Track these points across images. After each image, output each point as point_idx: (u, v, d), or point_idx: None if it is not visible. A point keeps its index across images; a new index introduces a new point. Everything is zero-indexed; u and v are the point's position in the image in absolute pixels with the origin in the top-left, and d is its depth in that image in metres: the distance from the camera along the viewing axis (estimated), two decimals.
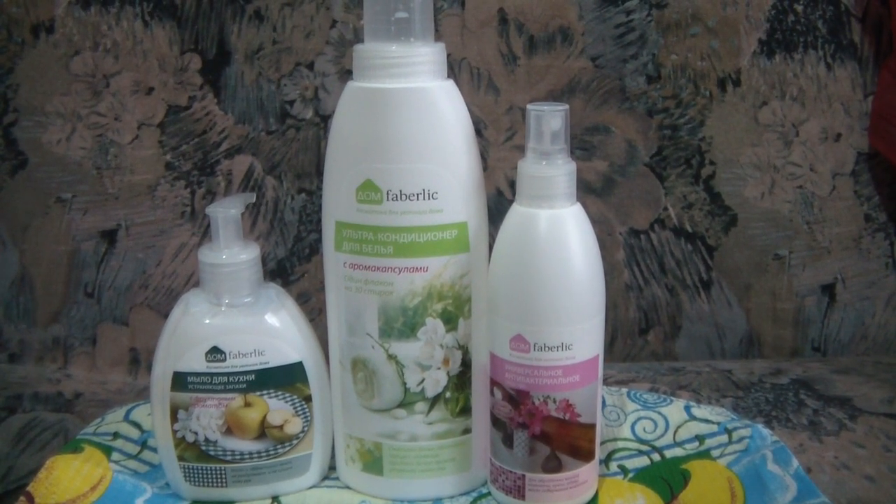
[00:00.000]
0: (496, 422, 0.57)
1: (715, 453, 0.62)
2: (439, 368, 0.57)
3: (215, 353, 0.56)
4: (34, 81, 0.82)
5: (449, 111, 0.55)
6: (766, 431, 0.62)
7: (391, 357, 0.57)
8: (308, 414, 0.59)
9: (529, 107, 0.54)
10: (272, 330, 0.58)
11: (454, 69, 0.81)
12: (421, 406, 0.58)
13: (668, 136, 0.83)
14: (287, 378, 0.58)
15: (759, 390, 0.75)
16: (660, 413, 0.67)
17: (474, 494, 0.60)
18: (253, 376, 0.57)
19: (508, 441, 0.56)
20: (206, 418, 0.57)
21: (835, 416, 0.70)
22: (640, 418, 0.67)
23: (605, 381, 0.74)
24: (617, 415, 0.67)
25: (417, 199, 0.54)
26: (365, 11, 0.55)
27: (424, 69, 0.54)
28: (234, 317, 0.57)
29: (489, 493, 0.60)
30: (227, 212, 0.57)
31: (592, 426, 0.57)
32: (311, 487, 0.61)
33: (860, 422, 0.69)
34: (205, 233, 0.83)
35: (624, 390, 0.70)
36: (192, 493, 0.59)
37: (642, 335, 0.85)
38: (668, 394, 0.72)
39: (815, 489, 0.56)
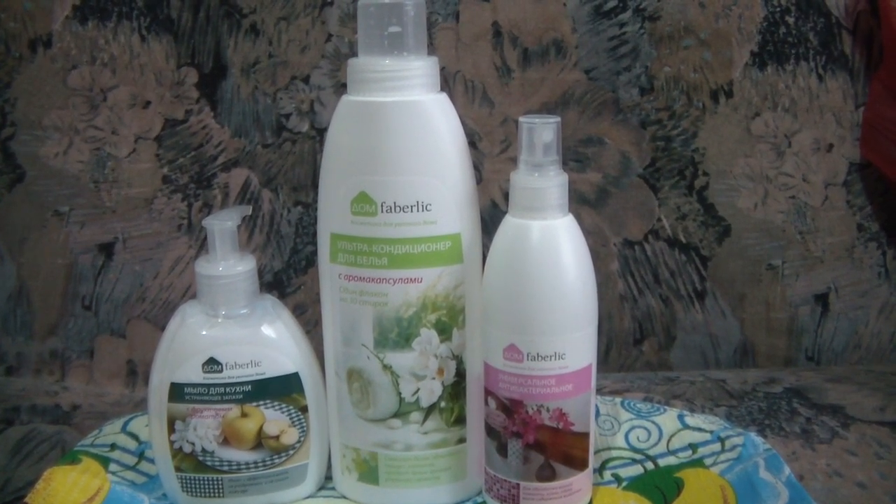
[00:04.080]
0: (490, 431, 0.57)
1: (708, 461, 0.62)
2: (434, 378, 0.58)
3: (212, 364, 0.57)
4: (32, 95, 0.82)
5: (442, 124, 0.55)
6: (758, 439, 0.63)
7: (386, 367, 0.57)
8: (304, 424, 0.59)
9: (521, 119, 0.54)
10: (268, 341, 0.58)
11: (449, 82, 0.82)
12: (416, 416, 0.58)
13: (661, 148, 0.83)
14: (283, 389, 0.58)
15: (752, 399, 0.75)
16: (653, 422, 0.67)
17: (470, 503, 0.61)
18: (249, 387, 0.57)
19: (503, 450, 0.57)
20: (203, 429, 0.57)
21: (827, 424, 0.70)
22: (633, 427, 0.67)
23: (600, 392, 0.75)
24: (611, 424, 0.67)
25: (411, 210, 0.55)
26: (359, 25, 0.55)
27: (418, 82, 0.55)
28: (231, 328, 0.57)
29: (484, 502, 0.60)
30: (223, 224, 0.58)
31: (586, 435, 0.57)
32: (307, 497, 0.61)
33: (853, 430, 0.69)
34: (202, 245, 0.84)
35: (618, 399, 0.70)
36: None
37: (637, 345, 0.86)
38: (662, 403, 0.72)
39: (806, 496, 0.56)
